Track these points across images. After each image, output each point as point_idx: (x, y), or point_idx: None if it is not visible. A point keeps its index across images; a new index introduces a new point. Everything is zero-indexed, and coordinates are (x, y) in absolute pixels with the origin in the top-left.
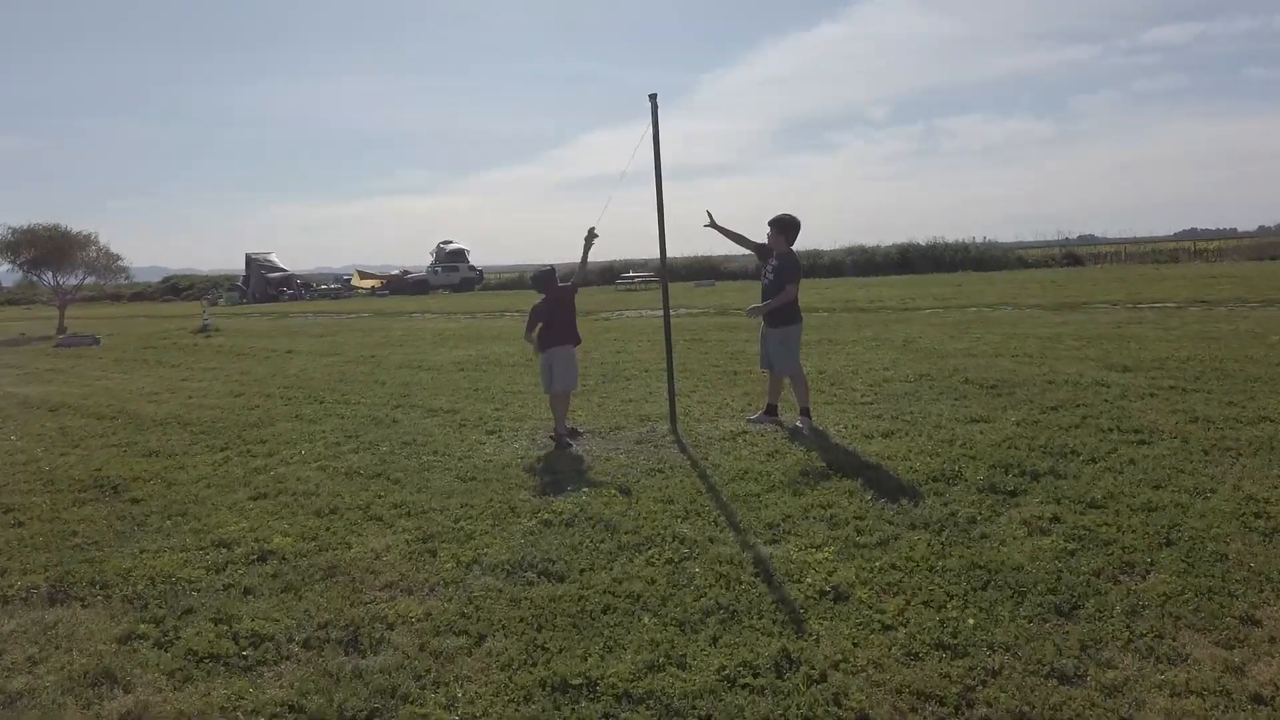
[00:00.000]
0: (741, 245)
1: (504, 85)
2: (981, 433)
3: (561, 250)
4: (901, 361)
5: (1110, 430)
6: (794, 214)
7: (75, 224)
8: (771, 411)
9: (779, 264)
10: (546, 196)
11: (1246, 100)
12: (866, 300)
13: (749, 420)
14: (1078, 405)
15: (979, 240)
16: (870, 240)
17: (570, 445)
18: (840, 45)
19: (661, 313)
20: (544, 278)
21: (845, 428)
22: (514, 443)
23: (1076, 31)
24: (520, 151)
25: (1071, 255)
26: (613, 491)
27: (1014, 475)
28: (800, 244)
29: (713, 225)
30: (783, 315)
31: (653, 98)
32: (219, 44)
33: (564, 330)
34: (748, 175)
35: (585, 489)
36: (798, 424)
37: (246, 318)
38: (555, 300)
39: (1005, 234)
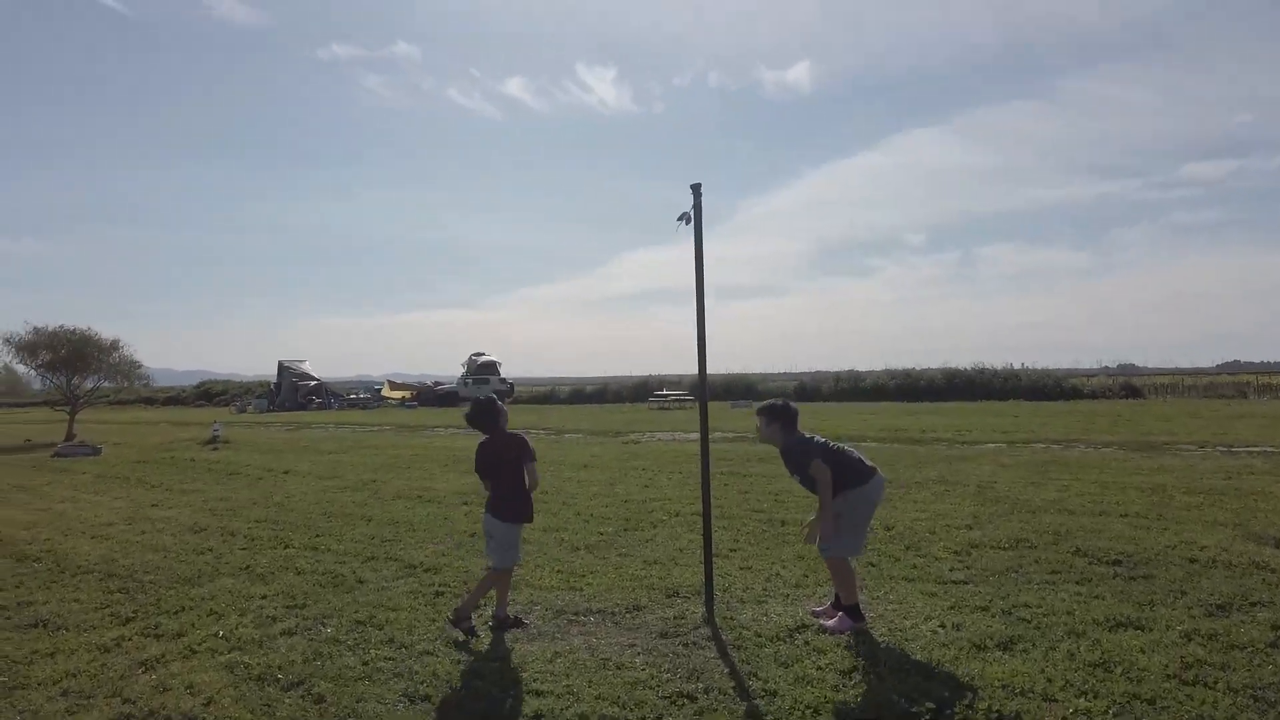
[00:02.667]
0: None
1: (545, 204)
2: (1142, 650)
3: (595, 362)
4: (984, 516)
5: None
6: (784, 401)
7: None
8: (857, 613)
9: (785, 459)
10: (583, 312)
11: None
12: (918, 430)
13: (813, 613)
14: (1253, 604)
15: (1028, 366)
16: (909, 363)
17: (465, 627)
18: (878, 174)
19: (695, 436)
20: (478, 412)
21: (943, 626)
22: (498, 628)
23: (1114, 167)
24: (559, 268)
25: (1130, 386)
26: None
27: None
28: (838, 364)
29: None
30: (836, 479)
31: (695, 188)
32: (269, 158)
33: (501, 497)
34: (782, 297)
35: None
36: (823, 620)
37: (266, 428)
38: (493, 449)
39: (1044, 360)
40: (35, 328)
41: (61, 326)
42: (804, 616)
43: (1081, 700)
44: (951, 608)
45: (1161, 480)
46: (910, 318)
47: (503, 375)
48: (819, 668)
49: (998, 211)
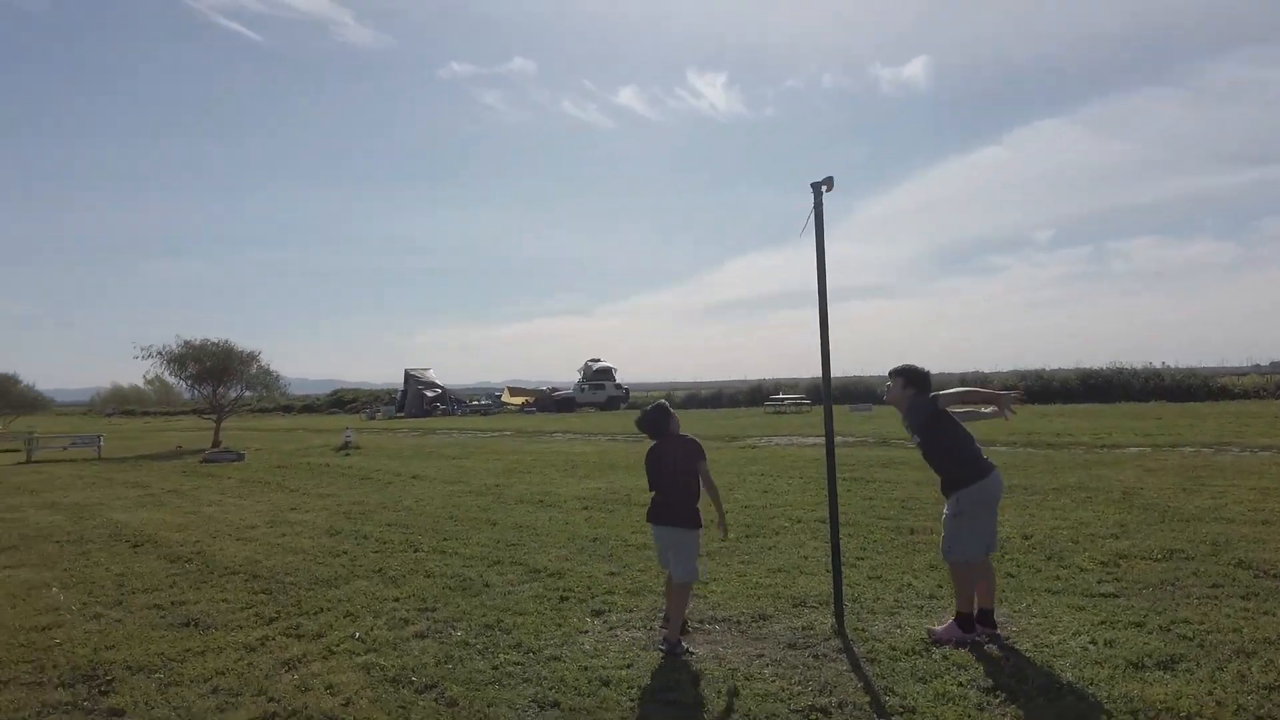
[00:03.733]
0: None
1: (657, 211)
2: None
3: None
4: (1131, 525)
5: None
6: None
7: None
8: (968, 623)
9: (910, 415)
10: (695, 318)
11: None
12: (1052, 434)
13: (932, 634)
14: None
15: (1170, 365)
16: (1038, 363)
17: (680, 652)
18: (999, 169)
19: (813, 441)
20: (649, 419)
21: (1095, 643)
22: (624, 632)
23: (1261, 154)
24: (671, 274)
25: None
26: None
27: None
28: (963, 367)
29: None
30: (953, 474)
31: (816, 186)
32: (394, 175)
33: (668, 504)
34: (899, 299)
35: None
36: (936, 629)
37: (394, 433)
38: (659, 455)
39: (1188, 359)
40: (184, 341)
41: (206, 340)
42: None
43: None
44: (1102, 623)
45: None
46: (1039, 317)
47: (618, 381)
48: (960, 684)
49: (1132, 204)
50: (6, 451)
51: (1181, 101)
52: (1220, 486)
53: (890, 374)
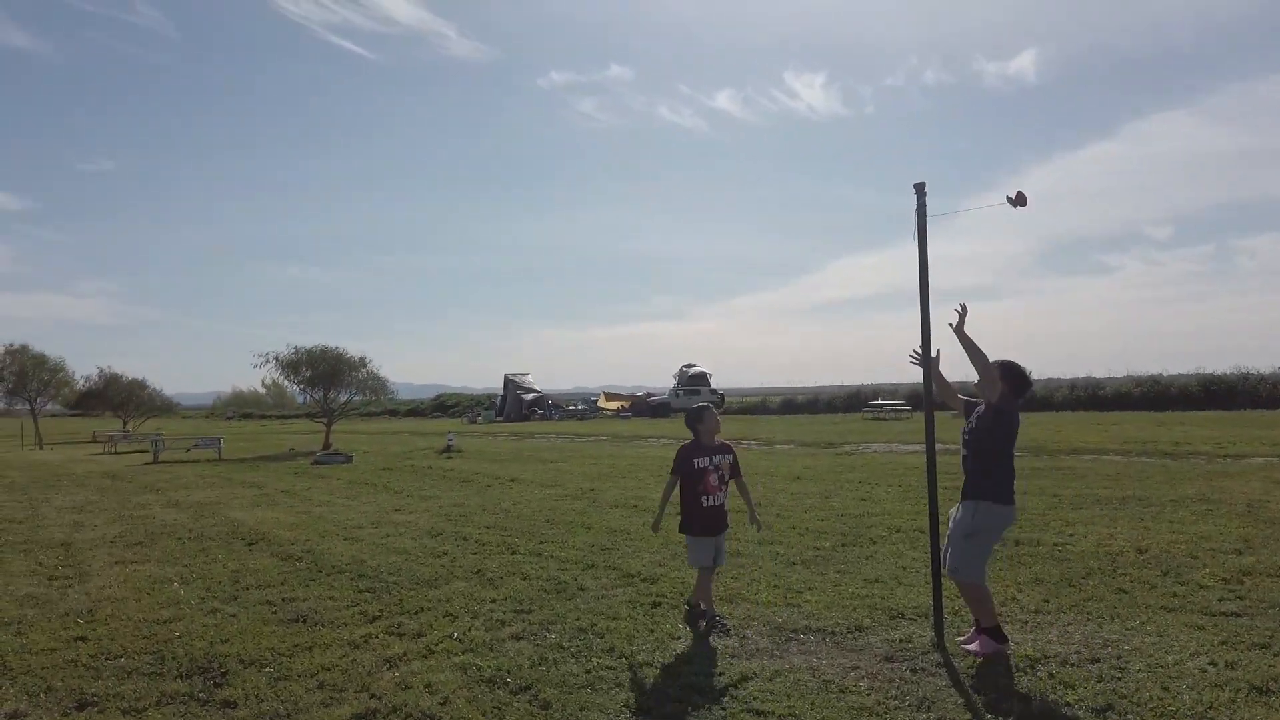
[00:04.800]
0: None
1: (753, 213)
2: None
3: (808, 371)
4: (1256, 540)
5: None
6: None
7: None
8: (999, 634)
9: (975, 410)
10: (794, 320)
11: None
12: (1169, 442)
13: (963, 645)
14: None
15: None
16: (1155, 368)
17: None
18: (1111, 164)
19: (913, 448)
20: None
21: (1214, 664)
22: (717, 639)
23: None
24: (768, 277)
25: None
26: None
27: None
28: (1076, 371)
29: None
30: (984, 480)
31: (919, 187)
32: (495, 183)
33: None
34: (1005, 299)
35: None
36: (967, 645)
37: (494, 438)
38: (692, 457)
39: None
40: (295, 347)
41: (317, 345)
42: (1045, 646)
43: None
44: (1223, 643)
45: None
46: (1156, 319)
47: (713, 386)
48: (1067, 703)
49: (1259, 199)
50: (135, 452)
51: None
52: None
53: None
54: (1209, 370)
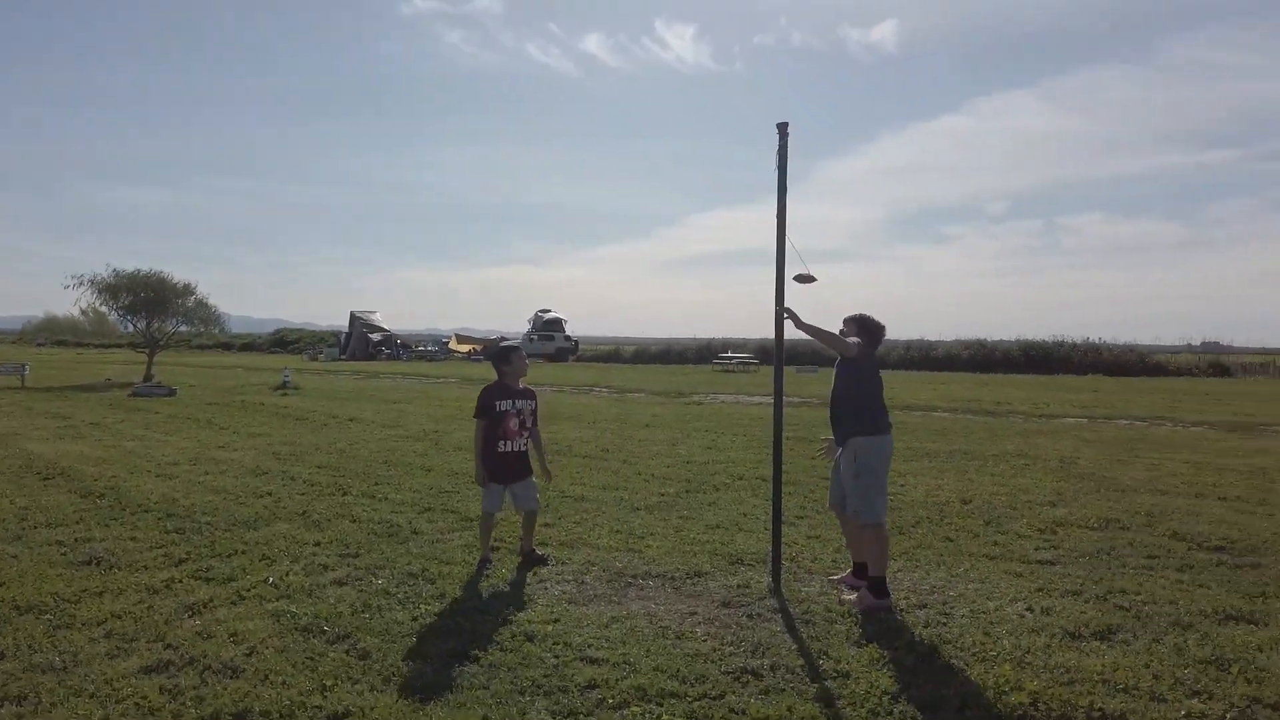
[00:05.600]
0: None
1: (619, 163)
2: (1260, 648)
3: (668, 325)
4: (1068, 493)
5: None
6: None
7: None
8: (862, 571)
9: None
10: (655, 272)
11: None
12: (992, 401)
13: (834, 583)
14: None
15: (1108, 341)
16: (983, 334)
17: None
18: (959, 138)
19: (759, 400)
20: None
21: (1031, 610)
22: (554, 586)
23: (1215, 136)
24: (632, 228)
25: (1219, 365)
26: None
27: None
28: (911, 334)
29: (791, 317)
30: (855, 421)
31: (782, 127)
32: (351, 113)
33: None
34: (859, 263)
35: (641, 707)
36: (846, 594)
37: (335, 375)
38: (495, 399)
39: (1125, 336)
40: (115, 270)
41: (138, 270)
42: (839, 600)
43: (1194, 701)
44: (1039, 590)
45: (1262, 463)
46: (987, 288)
47: (568, 332)
48: (895, 649)
49: (1086, 180)
50: None
51: (1141, 79)
52: (1155, 459)
53: (846, 321)
54: (1029, 337)
